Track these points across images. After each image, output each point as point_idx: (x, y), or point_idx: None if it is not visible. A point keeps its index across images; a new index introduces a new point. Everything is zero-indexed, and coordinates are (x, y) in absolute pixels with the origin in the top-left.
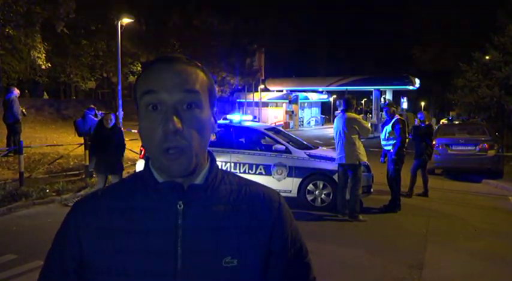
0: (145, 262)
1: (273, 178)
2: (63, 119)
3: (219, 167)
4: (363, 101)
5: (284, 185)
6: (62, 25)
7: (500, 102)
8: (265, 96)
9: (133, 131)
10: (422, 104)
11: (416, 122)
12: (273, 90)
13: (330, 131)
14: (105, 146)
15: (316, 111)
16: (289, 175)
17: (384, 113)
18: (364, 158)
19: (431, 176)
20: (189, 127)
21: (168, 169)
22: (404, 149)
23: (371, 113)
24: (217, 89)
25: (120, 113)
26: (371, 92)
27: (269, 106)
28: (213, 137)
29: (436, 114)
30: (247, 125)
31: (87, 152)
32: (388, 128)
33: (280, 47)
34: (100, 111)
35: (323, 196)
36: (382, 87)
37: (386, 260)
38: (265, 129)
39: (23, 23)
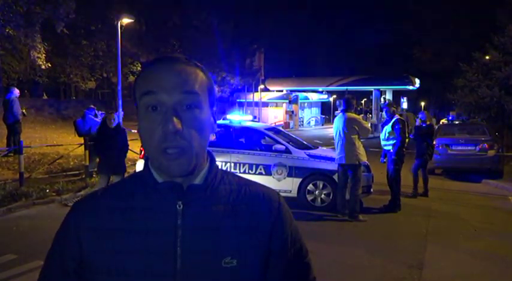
0: (145, 262)
1: (273, 178)
2: (63, 119)
3: (219, 167)
4: (362, 101)
5: (284, 185)
6: (62, 25)
7: (500, 102)
8: (265, 96)
9: (133, 131)
10: (422, 104)
11: (418, 122)
12: (273, 90)
13: (330, 131)
14: (108, 146)
15: (316, 111)
16: (289, 175)
17: (383, 113)
18: (364, 158)
19: (431, 176)
20: (188, 127)
21: (168, 169)
22: (404, 149)
23: (371, 113)
24: (217, 89)
25: (120, 113)
26: (371, 92)
27: (269, 106)
28: (213, 137)
29: (436, 114)
30: (247, 125)
31: (87, 152)
32: (388, 128)
33: (280, 47)
34: (100, 112)
35: (323, 196)
36: (382, 87)
37: (386, 260)
38: (265, 129)
39: (23, 23)
